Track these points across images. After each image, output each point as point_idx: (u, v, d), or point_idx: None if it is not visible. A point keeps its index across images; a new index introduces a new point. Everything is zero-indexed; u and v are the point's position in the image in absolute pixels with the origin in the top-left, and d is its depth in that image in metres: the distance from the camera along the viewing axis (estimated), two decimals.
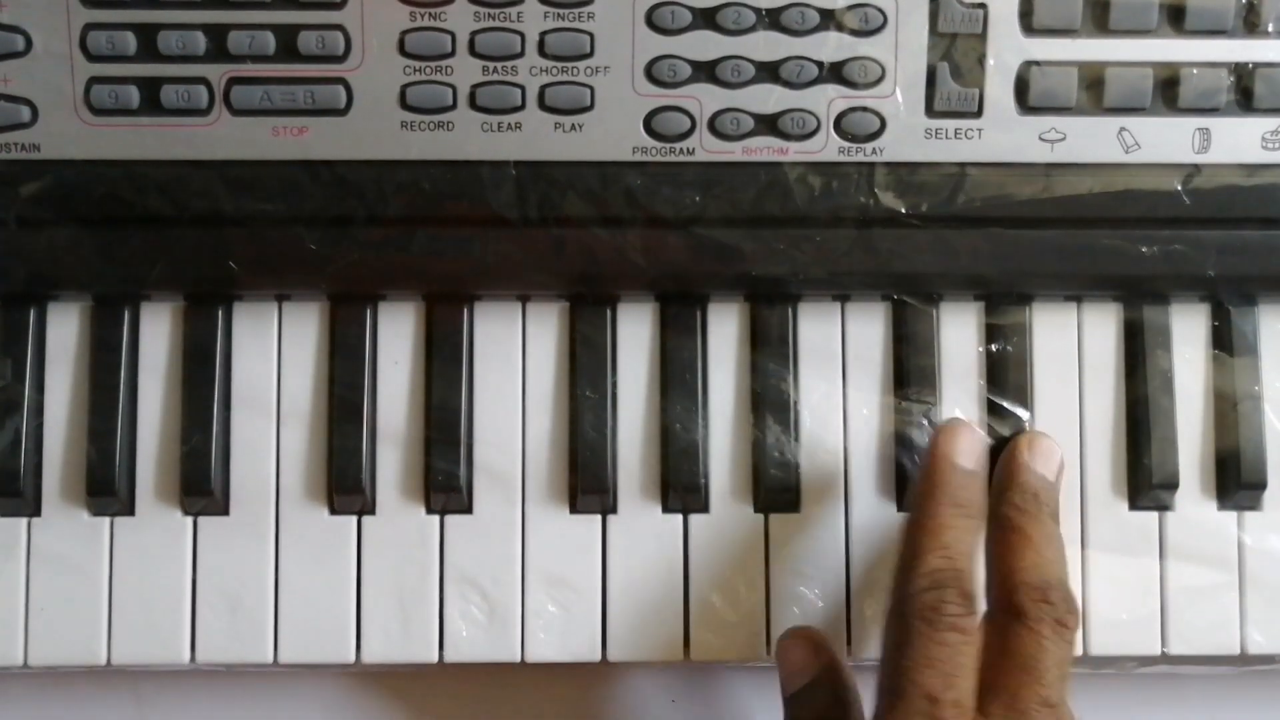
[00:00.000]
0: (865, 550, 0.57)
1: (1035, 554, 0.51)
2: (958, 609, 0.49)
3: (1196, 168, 0.56)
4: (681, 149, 0.55)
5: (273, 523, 0.56)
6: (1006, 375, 0.57)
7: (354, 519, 0.56)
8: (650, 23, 0.55)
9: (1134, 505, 0.57)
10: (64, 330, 0.57)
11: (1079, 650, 0.56)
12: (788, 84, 0.55)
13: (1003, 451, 0.55)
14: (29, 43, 0.54)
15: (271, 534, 0.56)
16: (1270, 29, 0.55)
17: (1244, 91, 0.56)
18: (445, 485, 0.56)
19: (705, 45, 0.55)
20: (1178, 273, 0.56)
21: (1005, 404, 0.57)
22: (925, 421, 0.57)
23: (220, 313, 0.57)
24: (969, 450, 0.53)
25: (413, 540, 0.56)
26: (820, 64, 0.55)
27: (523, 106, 0.55)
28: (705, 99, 0.55)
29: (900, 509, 0.57)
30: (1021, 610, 0.49)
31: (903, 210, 0.55)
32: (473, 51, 0.54)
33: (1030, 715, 0.47)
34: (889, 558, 0.56)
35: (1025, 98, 0.55)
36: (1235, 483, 0.57)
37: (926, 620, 0.49)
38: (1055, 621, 0.49)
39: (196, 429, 0.56)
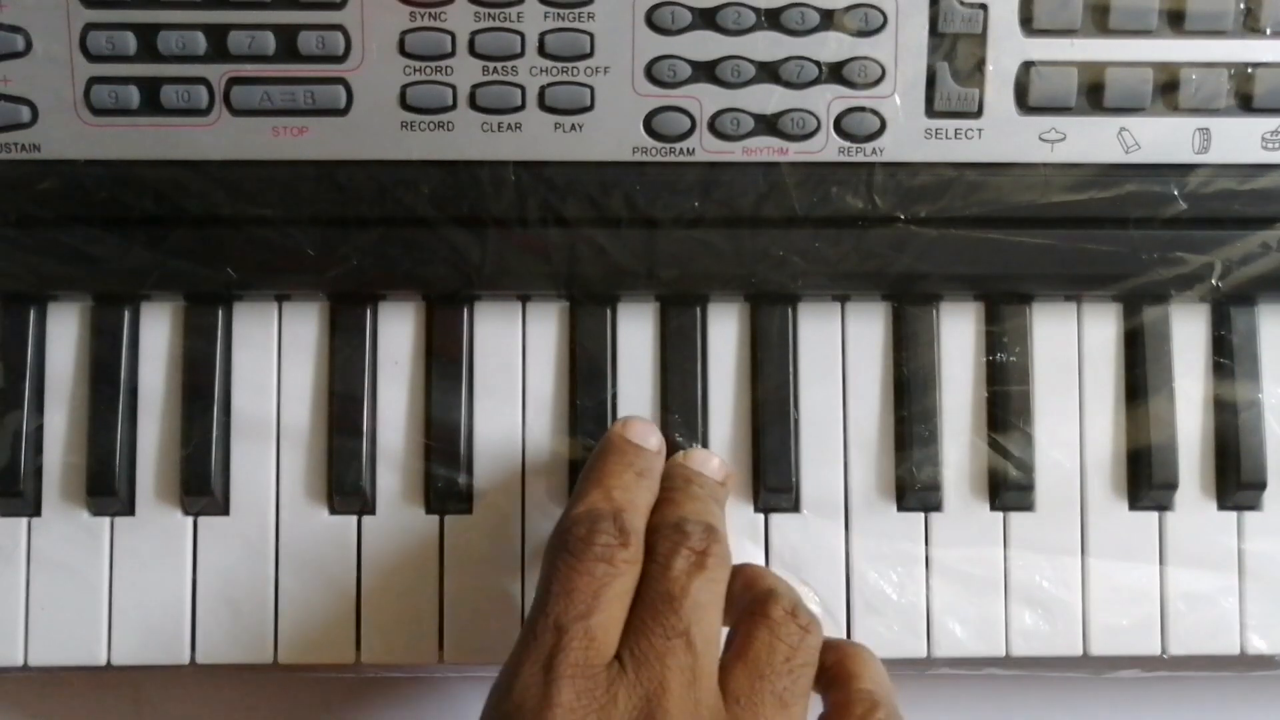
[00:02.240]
0: (865, 550, 0.57)
1: (675, 507, 0.51)
2: (608, 539, 0.48)
3: (1196, 168, 0.56)
4: (681, 149, 0.55)
5: (272, 523, 0.56)
6: (1006, 376, 0.57)
7: (354, 519, 0.56)
8: (650, 23, 0.55)
9: (1134, 506, 0.57)
10: (64, 330, 0.57)
11: (1078, 651, 0.56)
12: (788, 84, 0.55)
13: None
14: (29, 43, 0.54)
15: (271, 534, 0.56)
16: (1270, 30, 0.55)
17: (1244, 92, 0.55)
18: (445, 486, 0.56)
19: (705, 45, 0.55)
20: (1177, 273, 0.56)
21: (1005, 405, 0.57)
22: (926, 430, 0.57)
23: (220, 313, 0.57)
24: (642, 434, 0.53)
25: (413, 540, 0.56)
26: (820, 64, 0.55)
27: (523, 107, 0.55)
28: (705, 99, 0.55)
29: (900, 510, 0.57)
30: (653, 547, 0.49)
31: (902, 211, 0.55)
32: (473, 51, 0.54)
33: (655, 645, 0.46)
34: (889, 558, 0.56)
35: (1025, 98, 0.55)
36: (1235, 483, 0.57)
37: (572, 551, 0.48)
38: (690, 551, 0.48)
39: (196, 429, 0.56)
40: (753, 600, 0.49)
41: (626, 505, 0.50)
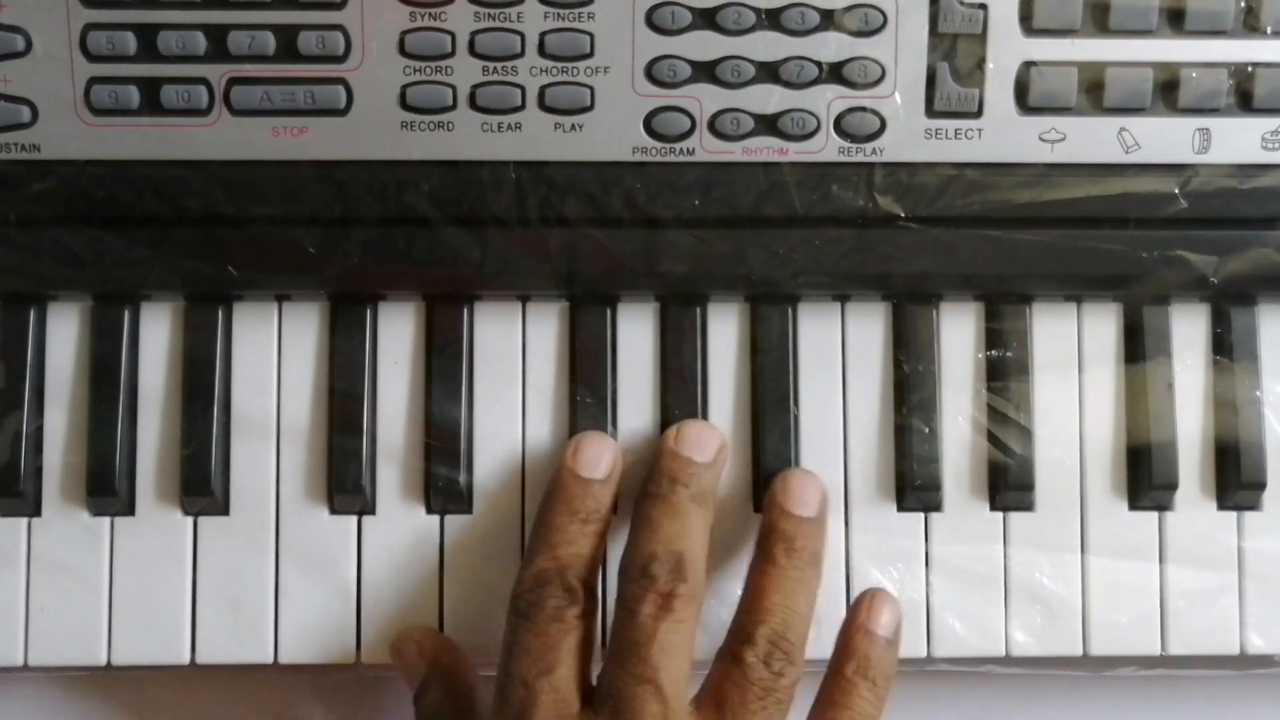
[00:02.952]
0: (865, 550, 0.57)
1: (650, 534, 0.51)
2: (558, 601, 0.50)
3: (1196, 168, 0.56)
4: (681, 149, 0.55)
5: (273, 523, 0.56)
6: (1006, 376, 0.57)
7: (354, 519, 0.56)
8: (650, 23, 0.55)
9: (1133, 505, 0.57)
10: (64, 330, 0.57)
11: (1078, 650, 0.56)
12: (788, 84, 0.55)
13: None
14: (29, 43, 0.54)
15: (271, 534, 0.56)
16: (1270, 29, 0.55)
17: (1244, 92, 0.56)
18: (445, 486, 0.56)
19: (705, 45, 0.55)
20: (1178, 274, 0.56)
21: (1005, 405, 0.57)
22: (927, 430, 0.57)
23: (220, 313, 0.57)
24: (592, 461, 0.54)
25: (412, 540, 0.56)
26: (820, 64, 0.55)
27: (523, 107, 0.55)
28: (705, 99, 0.55)
29: (900, 509, 0.57)
30: (621, 593, 0.51)
31: (902, 211, 0.56)
32: (473, 51, 0.54)
33: (624, 695, 0.49)
34: (889, 557, 0.56)
35: (1025, 98, 0.55)
36: (1235, 483, 0.57)
37: (525, 615, 0.50)
38: (658, 595, 0.50)
39: (196, 429, 0.56)
40: (731, 638, 0.52)
41: (571, 561, 0.52)
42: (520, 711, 0.49)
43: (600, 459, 0.54)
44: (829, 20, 0.55)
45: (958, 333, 0.58)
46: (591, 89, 0.55)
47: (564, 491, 0.53)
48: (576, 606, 0.51)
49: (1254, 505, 0.57)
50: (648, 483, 0.54)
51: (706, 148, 0.55)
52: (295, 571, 0.56)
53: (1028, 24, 0.55)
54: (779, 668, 0.50)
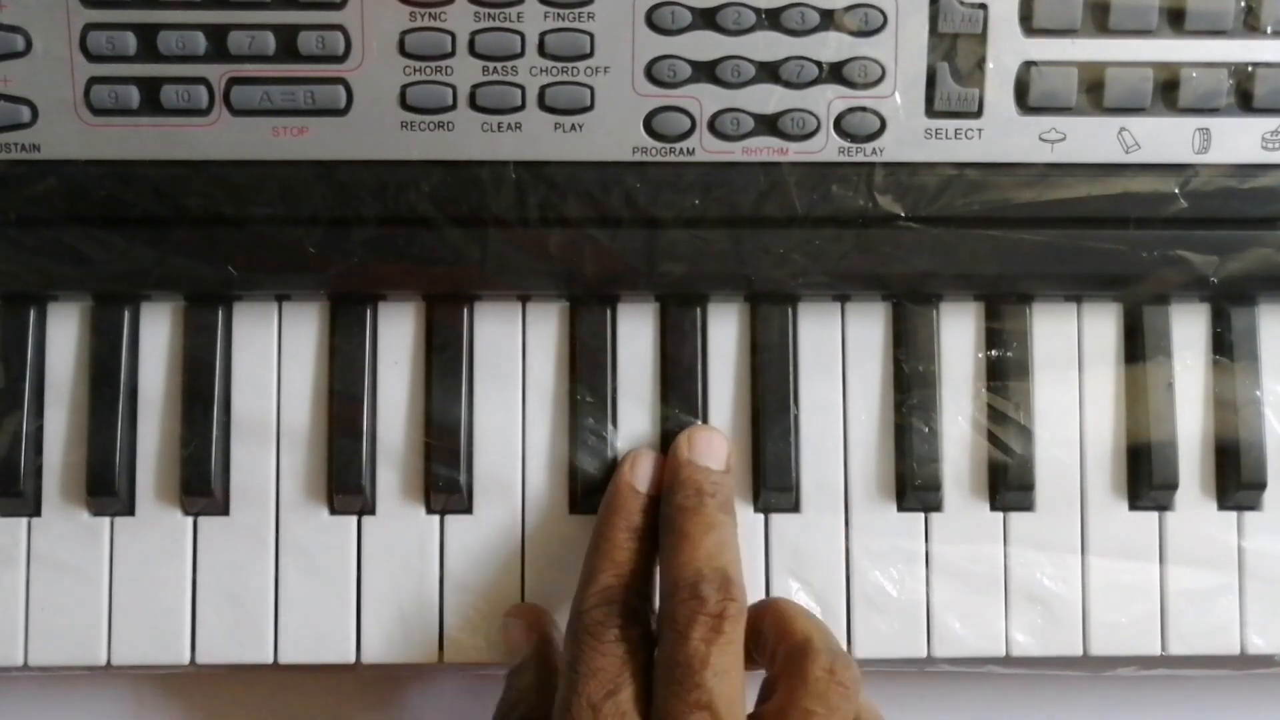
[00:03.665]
0: (865, 550, 0.57)
1: (691, 549, 0.51)
2: (624, 621, 0.50)
3: (1196, 168, 0.56)
4: (681, 149, 0.55)
5: (273, 523, 0.56)
6: (1006, 376, 0.57)
7: (354, 519, 0.56)
8: (650, 23, 0.55)
9: (1134, 505, 0.57)
10: (64, 330, 0.57)
11: (1078, 650, 0.56)
12: (788, 84, 0.55)
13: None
14: (29, 43, 0.54)
15: (271, 534, 0.56)
16: (1270, 29, 0.55)
17: (1244, 92, 0.56)
18: (445, 486, 0.56)
19: (705, 45, 0.55)
20: (1178, 273, 0.56)
21: (1005, 405, 0.57)
22: (927, 430, 0.57)
23: (220, 313, 0.57)
24: (645, 475, 0.54)
25: (413, 540, 0.56)
26: (820, 64, 0.55)
27: (523, 107, 0.55)
28: (705, 99, 0.55)
29: (900, 509, 0.57)
30: (669, 614, 0.50)
31: (902, 211, 0.56)
32: (473, 51, 0.54)
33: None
34: (890, 557, 0.56)
35: (1025, 98, 0.55)
36: (1235, 483, 0.57)
37: (592, 634, 0.50)
38: (709, 616, 0.49)
39: (196, 429, 0.56)
40: (789, 655, 0.49)
41: (632, 579, 0.51)
42: None
43: (651, 472, 0.54)
44: (829, 20, 0.55)
45: (958, 332, 0.58)
46: (591, 89, 0.55)
47: (624, 507, 0.53)
48: (640, 626, 0.50)
49: (1254, 505, 0.57)
50: (672, 495, 0.53)
51: (706, 148, 0.55)
52: (295, 571, 0.56)
53: (1028, 24, 0.55)
54: (845, 679, 0.48)
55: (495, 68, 0.55)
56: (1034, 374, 0.57)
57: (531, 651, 0.54)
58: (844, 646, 0.56)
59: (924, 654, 0.56)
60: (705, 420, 0.57)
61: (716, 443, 0.55)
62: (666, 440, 0.56)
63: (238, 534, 0.56)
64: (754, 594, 0.56)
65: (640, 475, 0.54)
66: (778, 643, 0.50)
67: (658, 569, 0.53)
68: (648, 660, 0.50)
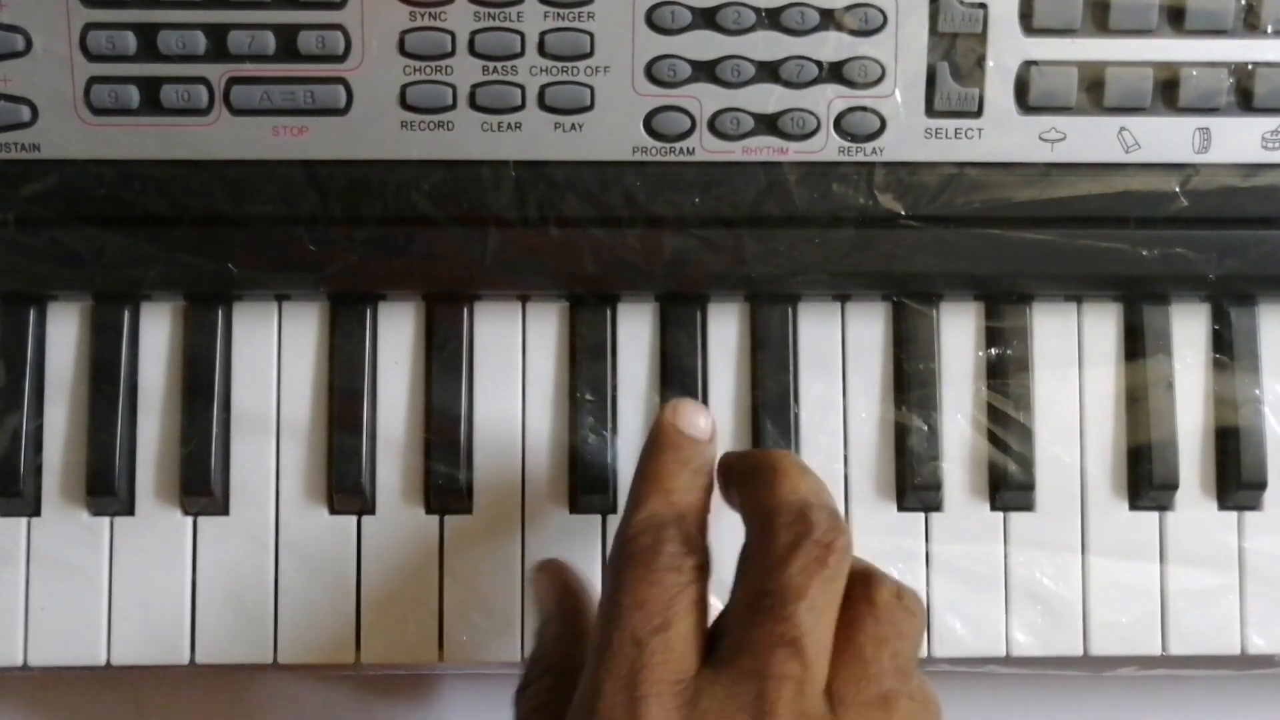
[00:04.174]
0: (865, 550, 0.57)
1: (791, 480, 0.45)
2: (675, 547, 0.44)
3: (1196, 168, 0.56)
4: (681, 149, 0.55)
5: (272, 523, 0.56)
6: (1006, 375, 0.57)
7: (354, 519, 0.56)
8: (650, 23, 0.55)
9: (1134, 505, 0.57)
10: (64, 330, 0.57)
11: (1078, 650, 0.56)
12: (788, 84, 0.55)
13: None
14: (29, 43, 0.54)
15: (271, 534, 0.56)
16: (1270, 29, 0.55)
17: (1244, 91, 0.56)
18: (445, 486, 0.56)
19: (705, 45, 0.55)
20: (1178, 273, 0.56)
21: (1005, 405, 0.57)
22: (927, 429, 0.57)
23: (220, 313, 0.57)
24: (693, 418, 0.50)
25: (413, 540, 0.56)
26: (820, 64, 0.55)
27: (523, 106, 0.55)
28: (705, 99, 0.55)
29: (900, 508, 0.57)
30: (765, 538, 0.44)
31: (902, 210, 0.56)
32: (473, 51, 0.54)
33: (759, 655, 0.42)
34: (890, 557, 0.56)
35: (1025, 98, 0.55)
36: (1235, 483, 0.57)
37: (639, 561, 0.44)
38: (816, 545, 0.43)
39: (196, 429, 0.56)
40: (853, 583, 0.45)
41: (689, 509, 0.47)
42: (632, 672, 0.42)
43: (700, 417, 0.49)
44: (829, 20, 0.55)
45: (958, 332, 0.58)
46: (591, 89, 0.55)
47: (671, 443, 0.48)
48: (695, 557, 0.44)
49: (1254, 505, 0.57)
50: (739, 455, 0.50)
51: (706, 147, 0.55)
52: (295, 571, 0.56)
53: (1028, 23, 0.55)
54: (911, 603, 0.44)
55: (495, 67, 0.55)
56: (1034, 373, 0.57)
57: (555, 602, 0.51)
58: None
59: (924, 654, 0.56)
60: None
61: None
62: None
63: (237, 534, 0.56)
64: None
65: (684, 420, 0.49)
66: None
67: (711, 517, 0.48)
68: (702, 594, 0.44)
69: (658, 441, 0.49)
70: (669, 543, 0.45)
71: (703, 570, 0.45)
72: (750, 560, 0.45)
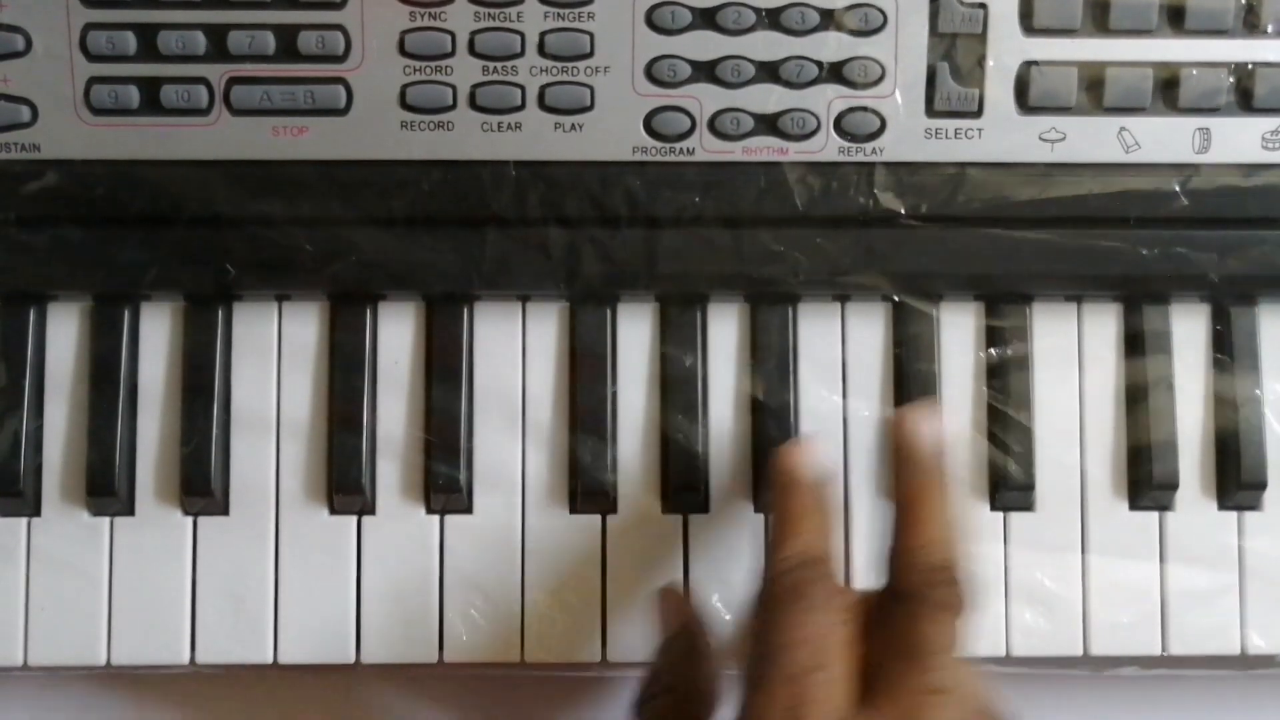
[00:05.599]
0: (866, 550, 0.57)
1: (935, 527, 0.48)
2: (823, 589, 0.46)
3: (1196, 168, 0.56)
4: (681, 149, 0.55)
5: (273, 523, 0.56)
6: (1006, 375, 0.57)
7: (354, 519, 0.56)
8: (650, 23, 0.55)
9: (1134, 506, 0.57)
10: (64, 330, 0.57)
11: (1078, 650, 0.56)
12: (788, 84, 0.55)
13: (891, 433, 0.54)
14: (29, 43, 0.54)
15: (271, 534, 0.56)
16: (1270, 29, 0.55)
17: (1244, 91, 0.56)
18: (445, 485, 0.56)
19: (705, 45, 0.55)
20: (1178, 273, 0.56)
21: (1005, 405, 0.57)
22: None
23: (220, 313, 0.57)
24: (808, 463, 0.52)
25: (413, 540, 0.56)
26: (820, 64, 0.55)
27: (523, 106, 0.55)
28: (705, 99, 0.55)
29: None
30: (912, 587, 0.47)
31: (902, 210, 0.56)
32: (473, 51, 0.54)
33: (916, 702, 0.44)
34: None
35: (1025, 98, 0.55)
36: (1235, 483, 0.57)
37: (788, 600, 0.46)
38: (952, 593, 0.46)
39: (196, 429, 0.56)
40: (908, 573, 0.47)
41: (825, 554, 0.48)
42: (792, 710, 0.43)
43: (815, 461, 0.52)
44: (829, 20, 0.55)
45: (958, 332, 0.58)
46: (591, 89, 0.55)
47: (800, 485, 0.50)
48: (841, 598, 0.46)
49: (1254, 505, 0.57)
50: (902, 468, 0.51)
51: (706, 147, 0.55)
52: (295, 571, 0.56)
53: (1028, 23, 0.55)
54: (819, 589, 0.46)
55: (495, 67, 0.55)
56: (1034, 373, 0.57)
57: (679, 625, 0.52)
58: None
59: None
60: (706, 420, 0.57)
61: (934, 418, 0.52)
62: (666, 440, 0.56)
63: (238, 534, 0.56)
64: None
65: (801, 463, 0.51)
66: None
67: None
68: (852, 636, 0.46)
69: (785, 484, 0.51)
70: (815, 583, 0.46)
71: (853, 611, 0.46)
72: (898, 603, 0.47)
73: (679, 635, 0.53)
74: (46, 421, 0.56)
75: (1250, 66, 0.55)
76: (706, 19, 0.55)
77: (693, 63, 0.55)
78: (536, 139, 0.55)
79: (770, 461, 0.52)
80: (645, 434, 0.57)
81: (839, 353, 0.58)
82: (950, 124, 0.56)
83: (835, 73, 0.55)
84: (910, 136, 0.56)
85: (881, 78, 0.55)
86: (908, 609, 0.46)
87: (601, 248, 0.55)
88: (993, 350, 0.57)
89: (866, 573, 0.56)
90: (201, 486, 0.56)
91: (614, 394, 0.57)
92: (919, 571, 0.47)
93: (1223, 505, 0.57)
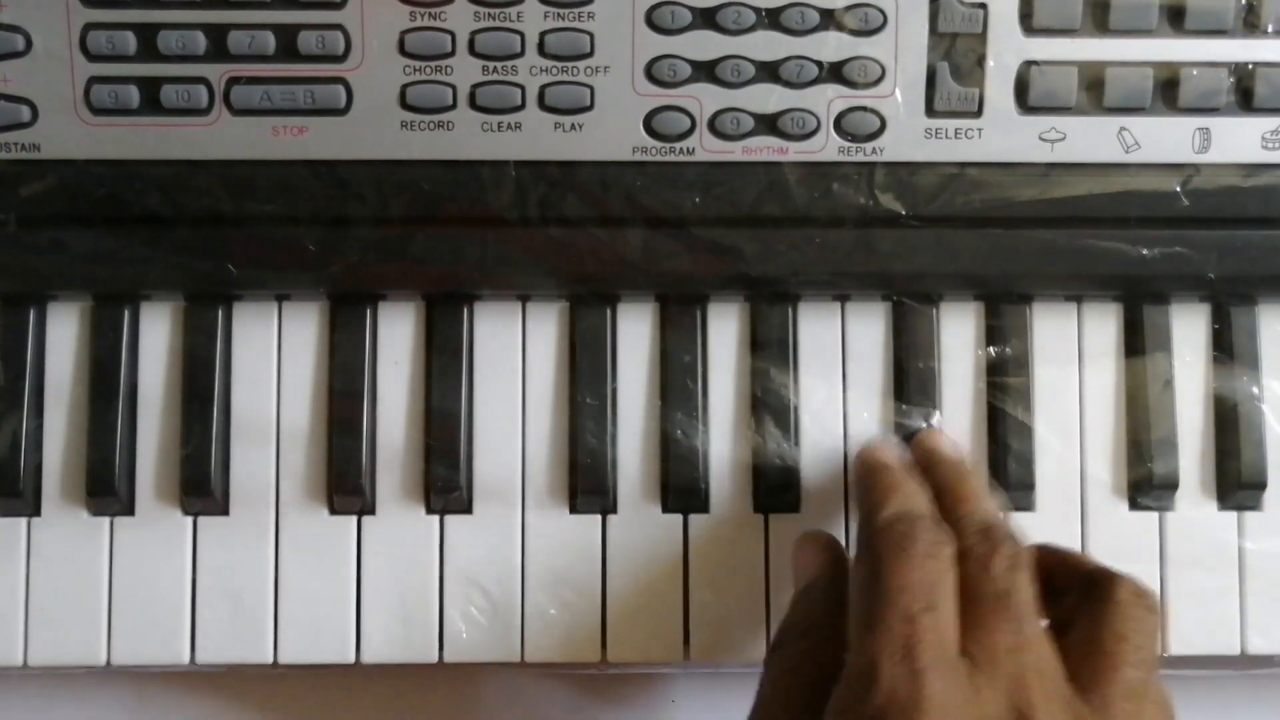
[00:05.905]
0: None
1: (974, 500, 0.51)
2: (932, 535, 0.48)
3: (1196, 168, 0.56)
4: (681, 149, 0.55)
5: (273, 523, 0.56)
6: (1006, 375, 0.57)
7: (354, 519, 0.56)
8: (650, 23, 0.55)
9: (1134, 506, 0.57)
10: (64, 330, 0.57)
11: None
12: (788, 84, 0.55)
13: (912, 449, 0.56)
14: (29, 43, 0.54)
15: (271, 534, 0.56)
16: (1270, 29, 0.55)
17: (1244, 91, 0.56)
18: (445, 485, 0.56)
19: (705, 45, 0.55)
20: (1178, 273, 0.56)
21: (1005, 404, 0.57)
22: (925, 424, 0.57)
23: (220, 313, 0.57)
24: (892, 453, 0.55)
25: (413, 540, 0.56)
26: (820, 64, 0.55)
27: (523, 106, 0.55)
28: (705, 99, 0.55)
29: None
30: (969, 548, 0.48)
31: (903, 210, 0.56)
32: (473, 51, 0.54)
33: (1004, 643, 0.46)
34: None
35: (1025, 98, 0.55)
36: (1235, 483, 0.57)
37: (900, 546, 0.47)
38: (1010, 547, 0.48)
39: (196, 429, 0.56)
40: (1088, 582, 0.50)
41: (928, 509, 0.50)
42: (908, 647, 0.45)
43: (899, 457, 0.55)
44: (829, 20, 0.55)
45: (958, 332, 0.58)
46: (591, 89, 0.55)
47: (884, 465, 0.53)
48: (948, 546, 0.48)
49: (1254, 505, 0.57)
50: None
51: (706, 147, 0.55)
52: (295, 571, 0.56)
53: (1028, 23, 0.55)
54: (1151, 603, 0.49)
55: (495, 67, 0.55)
56: (1034, 373, 0.57)
57: (822, 567, 0.53)
58: None
59: None
60: (706, 420, 0.57)
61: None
62: (666, 441, 0.56)
63: (237, 534, 0.56)
64: (754, 594, 0.56)
65: (890, 455, 0.54)
66: (1068, 577, 0.50)
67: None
68: (957, 581, 0.47)
69: (871, 467, 0.54)
70: (925, 532, 0.48)
71: (955, 560, 0.48)
72: (966, 570, 0.48)
73: (826, 578, 0.53)
74: (46, 421, 0.56)
75: (1250, 66, 0.55)
76: (706, 19, 0.55)
77: (693, 63, 0.55)
78: (536, 139, 0.55)
79: (857, 459, 0.55)
80: (645, 434, 0.57)
81: (839, 353, 0.58)
82: (950, 124, 0.56)
83: (835, 73, 0.55)
84: (910, 136, 0.56)
85: (881, 78, 0.55)
86: (970, 560, 0.48)
87: (601, 247, 0.55)
88: (993, 350, 0.57)
89: None
90: (201, 486, 0.56)
91: (614, 394, 0.57)
92: (965, 530, 0.49)
93: (1223, 505, 0.57)
